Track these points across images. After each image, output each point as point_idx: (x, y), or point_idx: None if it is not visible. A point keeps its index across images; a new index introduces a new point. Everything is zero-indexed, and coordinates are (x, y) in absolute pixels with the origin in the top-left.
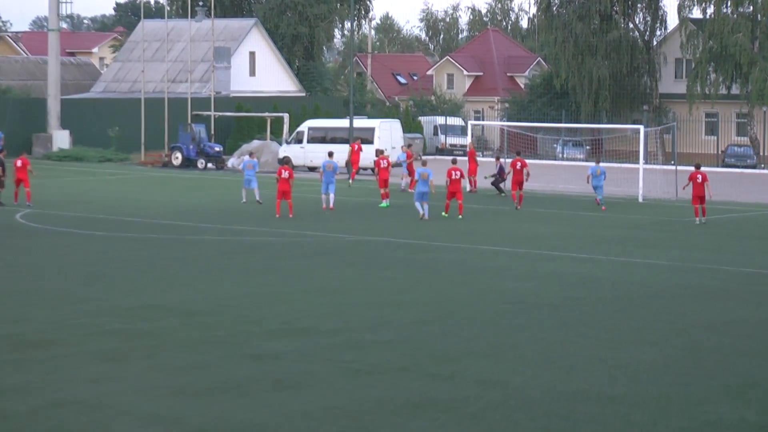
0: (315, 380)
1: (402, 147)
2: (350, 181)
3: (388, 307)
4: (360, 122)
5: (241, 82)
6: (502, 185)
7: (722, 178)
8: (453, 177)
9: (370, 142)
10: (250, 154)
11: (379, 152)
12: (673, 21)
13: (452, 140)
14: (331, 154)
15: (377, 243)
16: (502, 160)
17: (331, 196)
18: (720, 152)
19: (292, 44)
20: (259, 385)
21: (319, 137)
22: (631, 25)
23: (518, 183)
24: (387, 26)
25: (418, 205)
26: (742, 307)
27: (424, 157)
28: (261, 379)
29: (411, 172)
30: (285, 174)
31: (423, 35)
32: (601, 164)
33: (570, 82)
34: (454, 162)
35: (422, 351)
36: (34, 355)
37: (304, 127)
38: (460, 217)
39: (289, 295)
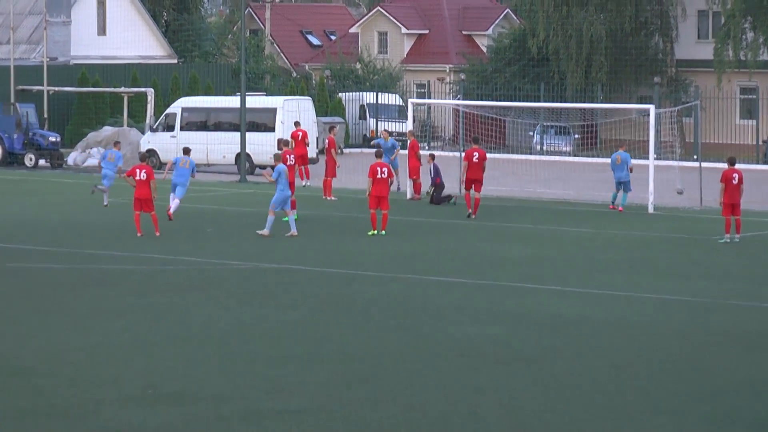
0: None
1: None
2: (306, 182)
3: (295, 362)
4: (256, 101)
5: (86, 44)
6: (446, 192)
7: (763, 179)
8: (379, 176)
9: (271, 129)
10: (115, 144)
11: (283, 144)
12: None
13: (386, 126)
14: (187, 151)
15: (280, 272)
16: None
17: (177, 200)
18: (761, 143)
19: None
20: None
21: (198, 122)
22: None
23: (475, 182)
24: None
25: (270, 218)
26: None
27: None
28: None
29: (330, 166)
30: (142, 175)
31: None
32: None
33: (551, 44)
34: (378, 156)
35: (344, 425)
36: None
37: (177, 107)
38: (383, 233)
39: (156, 347)
